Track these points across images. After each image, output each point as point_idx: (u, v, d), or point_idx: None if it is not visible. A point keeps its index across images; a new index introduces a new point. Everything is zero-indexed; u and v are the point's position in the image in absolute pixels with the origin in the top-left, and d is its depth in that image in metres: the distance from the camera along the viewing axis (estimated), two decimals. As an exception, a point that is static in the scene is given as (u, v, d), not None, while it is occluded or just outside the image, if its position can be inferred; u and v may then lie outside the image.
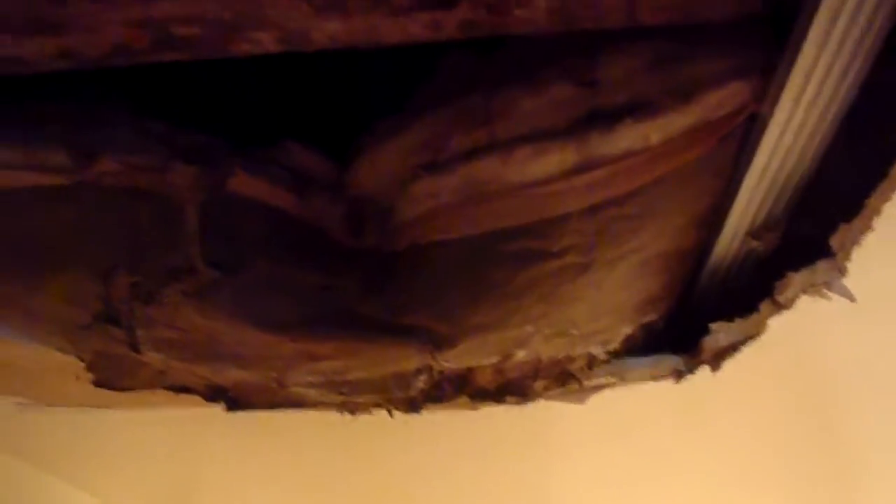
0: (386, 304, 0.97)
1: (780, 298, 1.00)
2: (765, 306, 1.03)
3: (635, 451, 1.99)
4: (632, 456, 2.01)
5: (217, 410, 1.27)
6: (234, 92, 1.15)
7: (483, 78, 0.94)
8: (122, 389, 1.10)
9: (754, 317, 1.05)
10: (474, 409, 1.23)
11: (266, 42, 0.81)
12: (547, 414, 1.34)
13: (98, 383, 1.10)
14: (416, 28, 0.80)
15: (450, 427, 1.85)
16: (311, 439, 1.99)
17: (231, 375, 1.03)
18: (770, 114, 0.84)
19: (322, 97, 1.21)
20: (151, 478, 2.28)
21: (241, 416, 1.24)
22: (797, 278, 0.97)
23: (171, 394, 1.16)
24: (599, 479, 2.17)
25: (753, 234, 1.00)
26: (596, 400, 1.29)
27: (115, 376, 1.08)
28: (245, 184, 0.95)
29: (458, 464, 2.17)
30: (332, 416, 1.29)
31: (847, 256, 0.94)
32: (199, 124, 1.03)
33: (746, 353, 1.13)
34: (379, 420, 1.30)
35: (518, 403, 1.18)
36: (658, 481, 2.10)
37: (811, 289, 0.98)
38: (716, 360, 1.12)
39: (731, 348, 1.10)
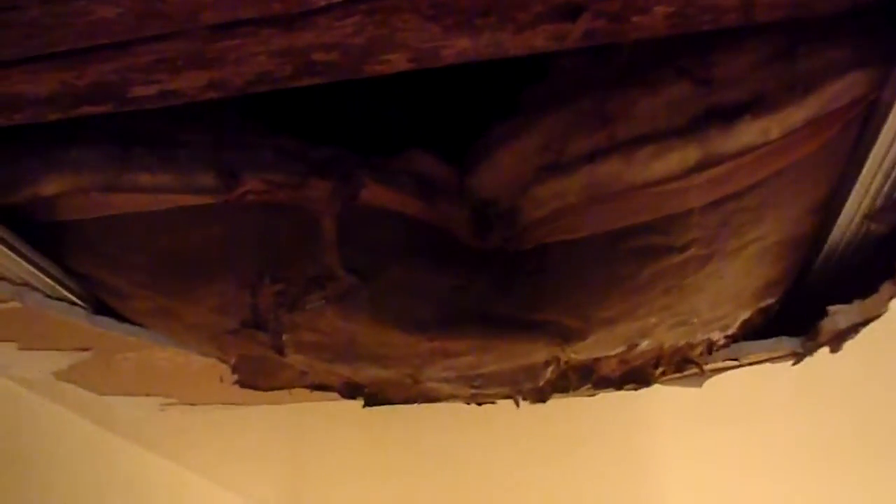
0: (516, 301, 1.00)
1: (903, 278, 1.00)
2: (885, 287, 1.03)
3: (740, 434, 1.99)
4: (736, 438, 2.02)
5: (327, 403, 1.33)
6: (347, 103, 1.20)
7: (597, 79, 0.96)
8: (265, 389, 1.18)
9: (874, 298, 1.05)
10: (593, 395, 1.27)
11: (398, 62, 0.86)
12: (648, 397, 1.36)
13: (242, 384, 1.17)
14: (539, 41, 0.83)
15: (552, 415, 1.87)
16: (416, 432, 2.04)
17: (369, 374, 1.09)
18: (890, 100, 0.84)
19: (427, 101, 1.25)
20: (271, 466, 2.39)
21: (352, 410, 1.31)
22: (920, 259, 0.97)
23: (306, 391, 1.23)
24: (700, 461, 2.18)
25: (871, 216, 0.99)
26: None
27: (258, 377, 1.16)
28: (376, 194, 0.99)
29: (562, 449, 2.20)
30: (435, 410, 1.34)
31: (971, 237, 0.94)
32: (323, 137, 1.09)
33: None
34: (482, 410, 1.34)
35: (637, 389, 1.21)
36: (762, 464, 2.10)
37: (935, 268, 0.98)
38: (835, 342, 1.13)
39: (851, 330, 1.10)
